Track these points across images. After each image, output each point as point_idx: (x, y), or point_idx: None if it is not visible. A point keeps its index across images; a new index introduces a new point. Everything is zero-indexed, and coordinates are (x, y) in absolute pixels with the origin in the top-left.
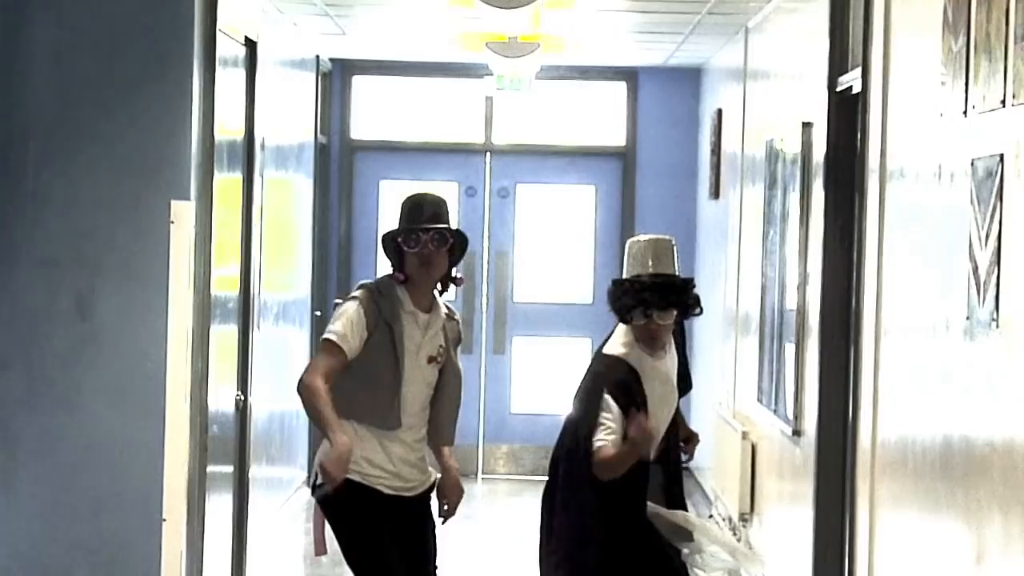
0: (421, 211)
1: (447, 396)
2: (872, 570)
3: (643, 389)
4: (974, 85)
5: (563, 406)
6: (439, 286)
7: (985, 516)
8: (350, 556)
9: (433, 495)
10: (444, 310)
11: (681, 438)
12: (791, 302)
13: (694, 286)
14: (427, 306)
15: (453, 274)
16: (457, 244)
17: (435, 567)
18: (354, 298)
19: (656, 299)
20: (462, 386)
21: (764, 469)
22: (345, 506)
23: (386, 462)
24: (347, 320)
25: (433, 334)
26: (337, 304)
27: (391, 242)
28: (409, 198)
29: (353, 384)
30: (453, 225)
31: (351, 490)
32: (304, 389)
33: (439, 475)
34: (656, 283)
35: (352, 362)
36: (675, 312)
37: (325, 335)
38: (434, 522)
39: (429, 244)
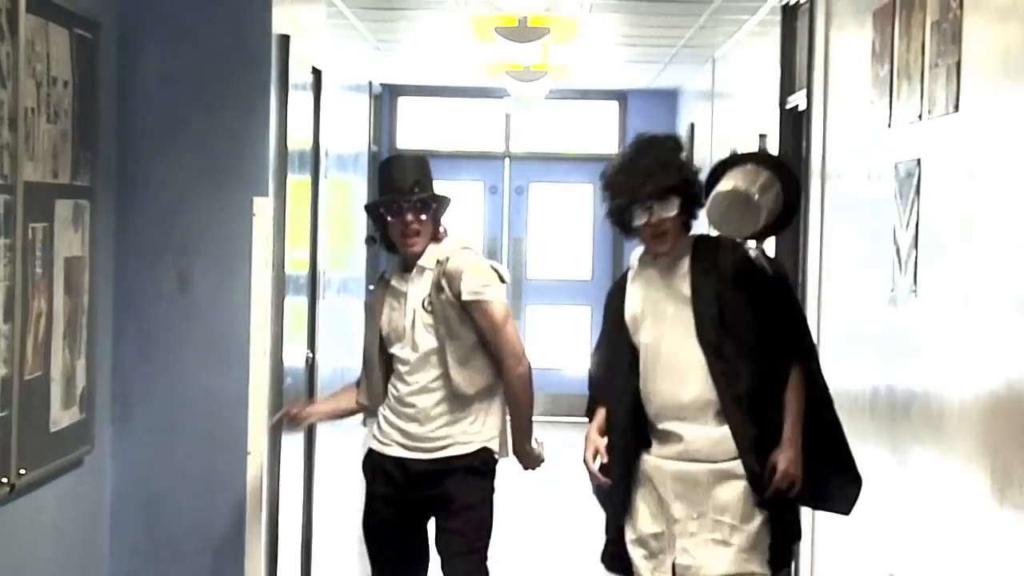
0: (398, 177)
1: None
2: None
3: (622, 305)
4: (897, 103)
5: (567, 361)
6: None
7: (905, 449)
8: None
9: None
10: (435, 262)
11: (769, 464)
12: None
13: (686, 168)
14: (411, 265)
15: (438, 232)
16: (440, 206)
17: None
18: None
19: (624, 184)
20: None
21: None
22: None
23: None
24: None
25: (417, 284)
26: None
27: (374, 211)
28: (385, 163)
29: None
30: (436, 185)
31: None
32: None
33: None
34: (625, 167)
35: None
36: (666, 203)
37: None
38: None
39: (410, 213)
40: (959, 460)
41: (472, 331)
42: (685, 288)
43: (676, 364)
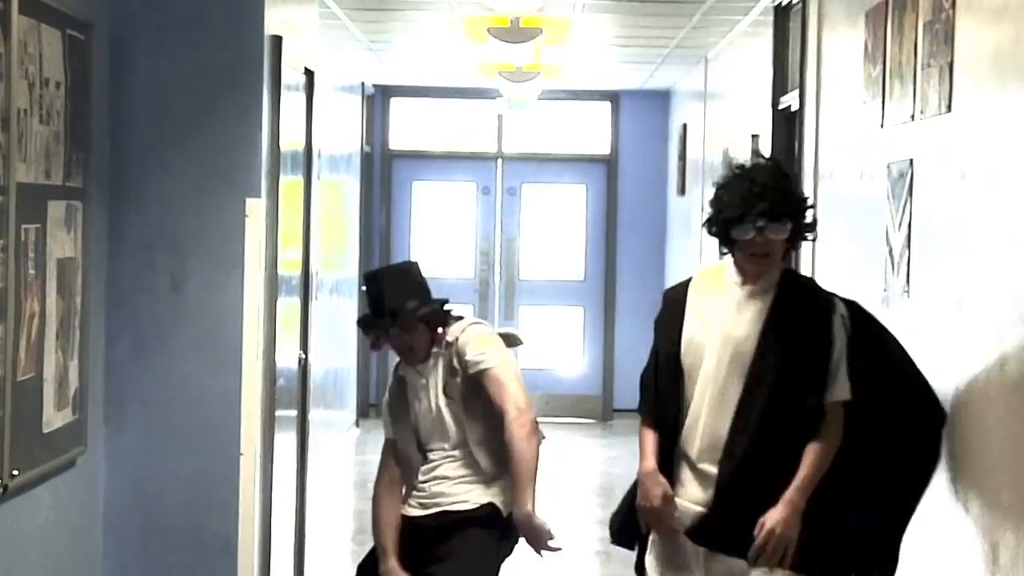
0: (377, 303)
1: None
2: None
3: (680, 328)
4: (889, 103)
5: (560, 361)
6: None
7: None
8: None
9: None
10: (444, 346)
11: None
12: None
13: (801, 198)
14: (422, 359)
15: (436, 335)
16: (430, 317)
17: None
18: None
19: (739, 197)
20: (505, 419)
21: None
22: None
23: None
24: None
25: (434, 374)
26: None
27: (363, 331)
28: (365, 281)
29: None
30: (413, 303)
31: None
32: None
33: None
34: (744, 181)
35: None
36: (778, 226)
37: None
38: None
39: (395, 336)
40: (951, 461)
41: (491, 409)
42: (758, 322)
43: (729, 400)
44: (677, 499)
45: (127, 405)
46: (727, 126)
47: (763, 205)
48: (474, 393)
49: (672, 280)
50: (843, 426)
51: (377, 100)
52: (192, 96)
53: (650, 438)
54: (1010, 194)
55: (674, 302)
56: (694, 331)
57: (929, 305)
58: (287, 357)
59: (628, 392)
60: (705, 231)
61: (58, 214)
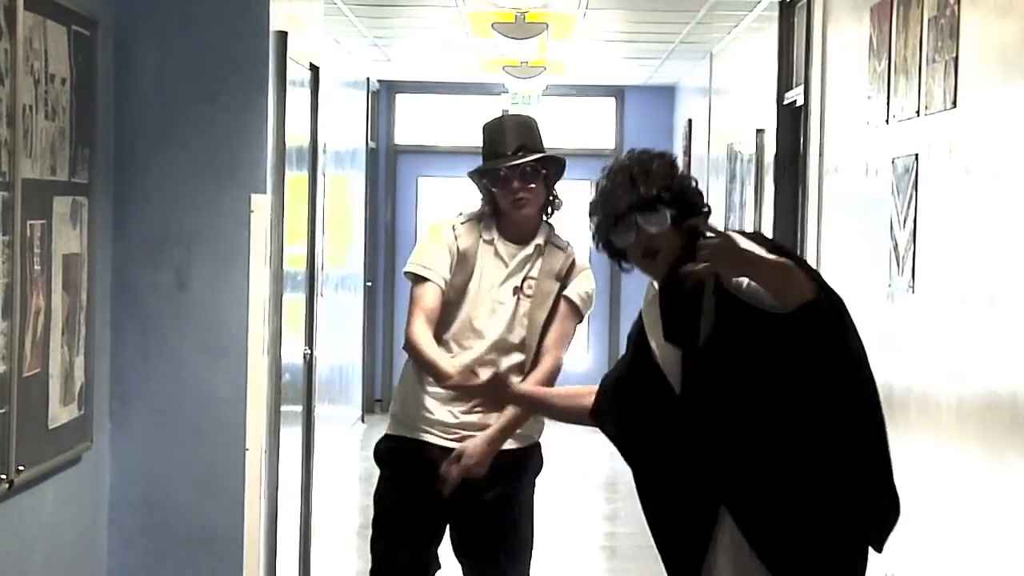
0: (504, 142)
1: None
2: None
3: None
4: (894, 98)
5: (567, 358)
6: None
7: (902, 446)
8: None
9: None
10: (552, 241)
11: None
12: None
13: (669, 177)
14: (519, 236)
15: (552, 197)
16: (553, 170)
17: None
18: (437, 223)
19: (601, 202)
20: (556, 352)
21: None
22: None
23: (424, 395)
24: (420, 247)
25: (519, 264)
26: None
27: (478, 180)
28: (489, 125)
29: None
30: (545, 145)
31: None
32: (408, 348)
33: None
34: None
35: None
36: (650, 216)
37: (407, 268)
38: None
39: (518, 181)
40: (956, 456)
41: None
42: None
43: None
44: None
45: (132, 401)
46: (732, 121)
47: (626, 199)
48: (548, 312)
49: None
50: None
51: (382, 96)
52: (197, 92)
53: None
54: (1015, 189)
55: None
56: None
57: (934, 300)
58: (293, 353)
59: None
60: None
61: (63, 210)
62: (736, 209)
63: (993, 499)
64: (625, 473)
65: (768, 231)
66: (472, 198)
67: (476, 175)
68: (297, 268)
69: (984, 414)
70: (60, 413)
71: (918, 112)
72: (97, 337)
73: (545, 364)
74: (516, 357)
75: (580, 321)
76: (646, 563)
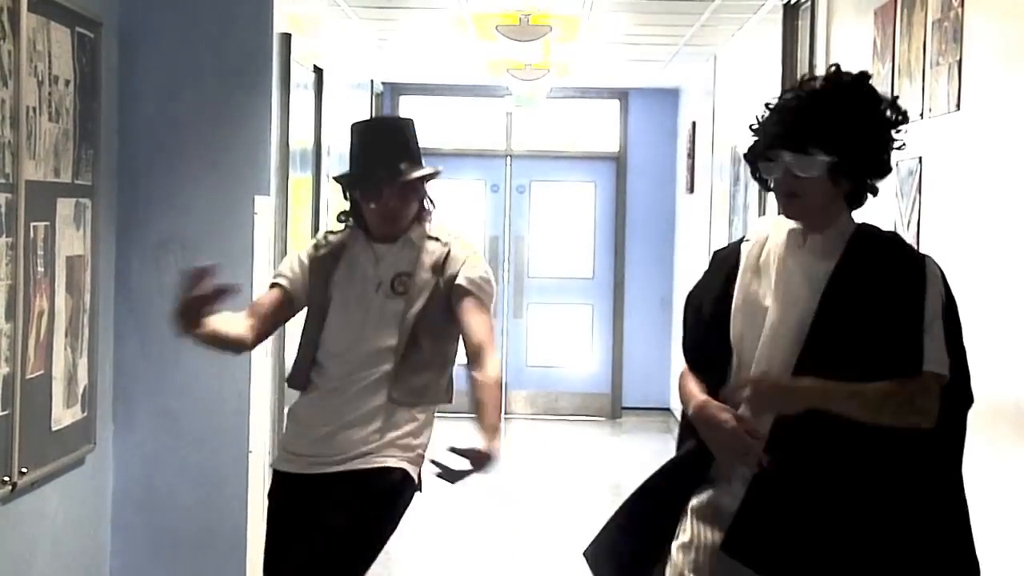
0: (374, 151)
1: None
2: None
3: (729, 290)
4: (898, 101)
5: (569, 359)
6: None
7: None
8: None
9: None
10: (430, 235)
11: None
12: None
13: (854, 120)
14: (390, 236)
15: (423, 212)
16: (423, 180)
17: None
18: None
19: (764, 125)
20: (454, 344)
21: None
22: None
23: (296, 427)
24: (285, 260)
25: (393, 261)
26: None
27: (347, 189)
28: (357, 128)
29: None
30: (422, 162)
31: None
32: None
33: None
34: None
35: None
36: (803, 159)
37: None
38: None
39: (388, 195)
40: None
41: (443, 336)
42: (819, 285)
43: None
44: (713, 499)
45: (136, 402)
46: (736, 124)
47: (782, 131)
48: (441, 310)
49: (681, 277)
50: (937, 407)
51: (386, 98)
52: (201, 94)
53: (694, 381)
54: (1019, 192)
55: (723, 261)
56: (747, 294)
57: None
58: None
59: (637, 390)
60: (717, 227)
61: (67, 212)
62: (740, 212)
63: (998, 504)
64: (630, 476)
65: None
66: (471, 200)
67: (346, 184)
68: None
69: (990, 418)
70: (63, 415)
71: (922, 115)
72: (100, 339)
73: (493, 365)
74: (385, 367)
75: (488, 310)
76: None
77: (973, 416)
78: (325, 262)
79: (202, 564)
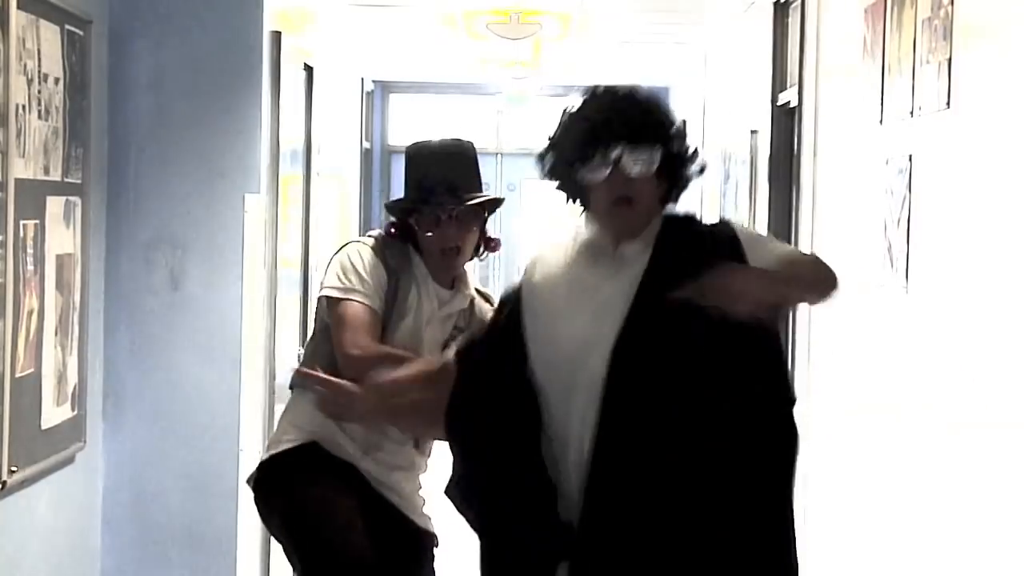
0: (435, 178)
1: None
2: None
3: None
4: (888, 99)
5: None
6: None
7: (897, 447)
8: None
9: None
10: (474, 289)
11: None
12: None
13: (670, 123)
14: (447, 280)
15: (488, 236)
16: (490, 211)
17: None
18: (359, 243)
19: (586, 128)
20: None
21: None
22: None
23: (349, 441)
24: (362, 267)
25: (449, 313)
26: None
27: (400, 217)
28: (417, 154)
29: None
30: (484, 185)
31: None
32: (355, 363)
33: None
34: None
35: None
36: (640, 153)
37: (332, 292)
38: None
39: (450, 225)
40: (950, 457)
41: None
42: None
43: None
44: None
45: (126, 401)
46: (726, 122)
47: (609, 129)
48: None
49: None
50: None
51: (376, 96)
52: (191, 92)
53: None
54: (1009, 190)
55: (507, 306)
56: (543, 334)
57: (928, 301)
58: (287, 352)
59: None
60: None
61: (57, 210)
62: (730, 211)
63: (986, 502)
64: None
65: (763, 232)
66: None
67: (399, 211)
68: (291, 268)
69: (980, 415)
70: (53, 413)
71: (912, 113)
72: (91, 337)
73: None
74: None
75: None
76: None
77: (969, 412)
78: (391, 269)
79: (193, 562)
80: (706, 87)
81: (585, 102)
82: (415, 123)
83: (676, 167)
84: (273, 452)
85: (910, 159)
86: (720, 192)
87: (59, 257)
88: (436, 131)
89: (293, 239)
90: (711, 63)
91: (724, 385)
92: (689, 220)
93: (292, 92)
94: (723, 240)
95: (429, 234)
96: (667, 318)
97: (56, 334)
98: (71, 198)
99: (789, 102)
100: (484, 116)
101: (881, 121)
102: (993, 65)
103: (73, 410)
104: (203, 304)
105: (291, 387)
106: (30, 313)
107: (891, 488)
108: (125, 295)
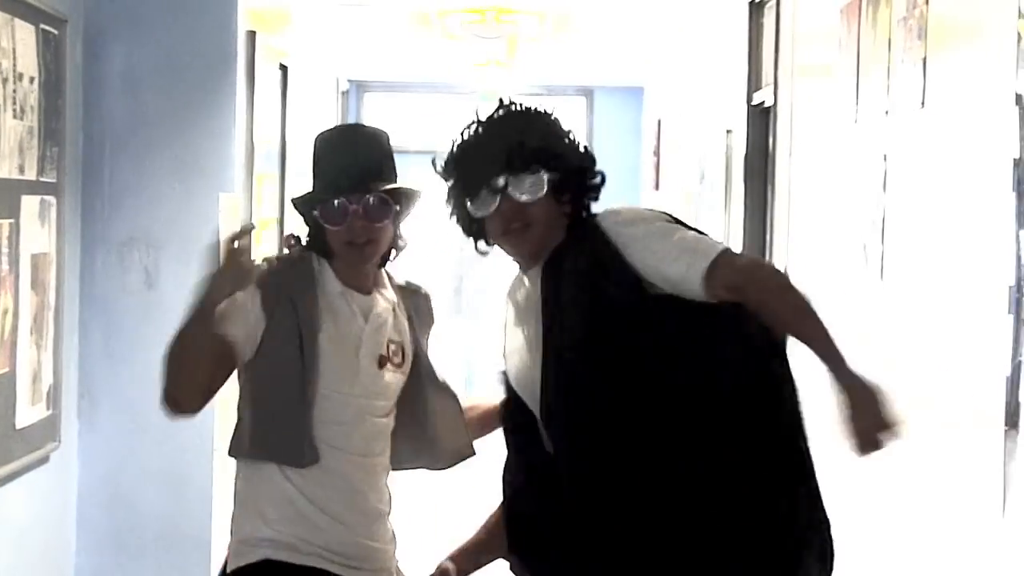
0: (347, 169)
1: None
2: None
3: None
4: (863, 99)
5: None
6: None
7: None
8: None
9: None
10: (400, 284)
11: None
12: None
13: (557, 137)
14: (365, 285)
15: (396, 243)
16: (404, 205)
17: None
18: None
19: (466, 164)
20: (458, 406)
21: None
22: None
23: (317, 514)
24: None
25: (380, 324)
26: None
27: (307, 212)
28: (325, 138)
29: (249, 402)
30: (400, 176)
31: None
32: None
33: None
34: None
35: (249, 368)
36: (523, 180)
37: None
38: None
39: (362, 218)
40: (927, 451)
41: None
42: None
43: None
44: None
45: (101, 400)
46: (701, 122)
47: (490, 161)
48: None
49: None
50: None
51: (352, 96)
52: (166, 91)
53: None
54: (982, 189)
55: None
56: (509, 354)
57: (903, 299)
58: None
59: None
60: None
61: (32, 209)
62: (704, 209)
63: (964, 495)
64: None
65: (737, 231)
66: (439, 199)
67: (303, 205)
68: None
69: (954, 411)
70: (28, 413)
71: (887, 112)
72: (65, 337)
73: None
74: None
75: None
76: None
77: (955, 412)
78: (283, 297)
79: (167, 562)
80: (681, 87)
81: (464, 138)
82: (391, 122)
83: (572, 183)
84: (241, 564)
85: (885, 158)
86: (695, 192)
87: (34, 256)
88: (411, 130)
89: (268, 239)
90: (686, 63)
91: (660, 375)
92: (580, 226)
93: (267, 92)
94: (597, 240)
95: (335, 228)
96: (568, 335)
97: (31, 333)
98: (46, 197)
99: (764, 102)
100: (459, 115)
101: (856, 120)
102: (968, 65)
103: (48, 409)
104: (178, 304)
105: (230, 454)
106: (4, 312)
107: (867, 487)
108: (100, 294)
